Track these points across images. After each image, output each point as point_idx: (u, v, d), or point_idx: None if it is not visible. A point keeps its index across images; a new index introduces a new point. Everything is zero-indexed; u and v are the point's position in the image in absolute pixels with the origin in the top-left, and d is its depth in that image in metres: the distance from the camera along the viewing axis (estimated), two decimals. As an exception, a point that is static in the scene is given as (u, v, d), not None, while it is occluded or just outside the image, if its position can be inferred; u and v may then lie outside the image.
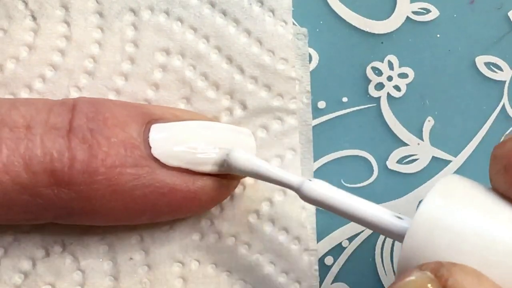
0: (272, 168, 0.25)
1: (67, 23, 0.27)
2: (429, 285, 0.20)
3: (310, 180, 0.24)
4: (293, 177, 0.25)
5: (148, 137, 0.25)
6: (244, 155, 0.25)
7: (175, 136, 0.25)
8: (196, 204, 0.26)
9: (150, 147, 0.25)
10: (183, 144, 0.25)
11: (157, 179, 0.25)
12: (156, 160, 0.25)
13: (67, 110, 0.24)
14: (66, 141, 0.24)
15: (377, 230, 0.23)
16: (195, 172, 0.25)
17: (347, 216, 0.24)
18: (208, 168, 0.25)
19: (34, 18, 0.27)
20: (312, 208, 0.28)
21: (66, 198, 0.24)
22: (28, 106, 0.24)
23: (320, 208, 0.28)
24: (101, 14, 0.28)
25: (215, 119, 0.28)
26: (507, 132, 0.29)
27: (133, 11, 0.28)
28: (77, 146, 0.24)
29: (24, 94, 0.27)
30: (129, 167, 0.24)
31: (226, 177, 0.26)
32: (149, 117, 0.25)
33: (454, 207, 0.21)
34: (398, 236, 0.23)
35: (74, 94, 0.27)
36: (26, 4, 0.27)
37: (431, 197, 0.22)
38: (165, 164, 0.25)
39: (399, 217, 0.23)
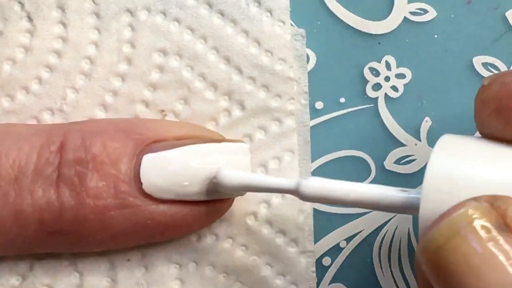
0: (264, 177, 0.25)
1: (64, 24, 0.27)
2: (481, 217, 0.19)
3: (305, 179, 0.24)
4: (288, 181, 0.24)
5: (139, 171, 0.25)
6: (232, 173, 0.25)
7: (166, 170, 0.25)
8: (186, 230, 0.26)
9: (141, 183, 0.25)
10: (174, 178, 0.25)
11: (149, 216, 0.25)
12: (147, 195, 0.25)
13: (56, 151, 0.24)
14: (54, 189, 0.24)
15: (385, 208, 0.23)
16: (186, 201, 0.25)
17: (352, 203, 0.23)
18: (199, 197, 0.25)
19: (30, 19, 0.27)
20: (309, 210, 0.28)
21: (56, 241, 0.25)
22: (15, 151, 0.24)
23: (318, 209, 0.28)
24: (97, 15, 0.27)
25: (213, 120, 0.28)
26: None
27: (130, 11, 0.28)
28: (66, 194, 0.24)
29: (20, 96, 0.27)
30: (119, 209, 0.24)
31: (216, 202, 0.26)
32: (142, 143, 0.25)
33: (461, 159, 0.22)
34: (407, 209, 0.22)
35: (70, 96, 0.27)
36: (22, 5, 0.27)
37: (436, 156, 0.22)
38: (156, 198, 0.25)
39: (404, 190, 0.23)
